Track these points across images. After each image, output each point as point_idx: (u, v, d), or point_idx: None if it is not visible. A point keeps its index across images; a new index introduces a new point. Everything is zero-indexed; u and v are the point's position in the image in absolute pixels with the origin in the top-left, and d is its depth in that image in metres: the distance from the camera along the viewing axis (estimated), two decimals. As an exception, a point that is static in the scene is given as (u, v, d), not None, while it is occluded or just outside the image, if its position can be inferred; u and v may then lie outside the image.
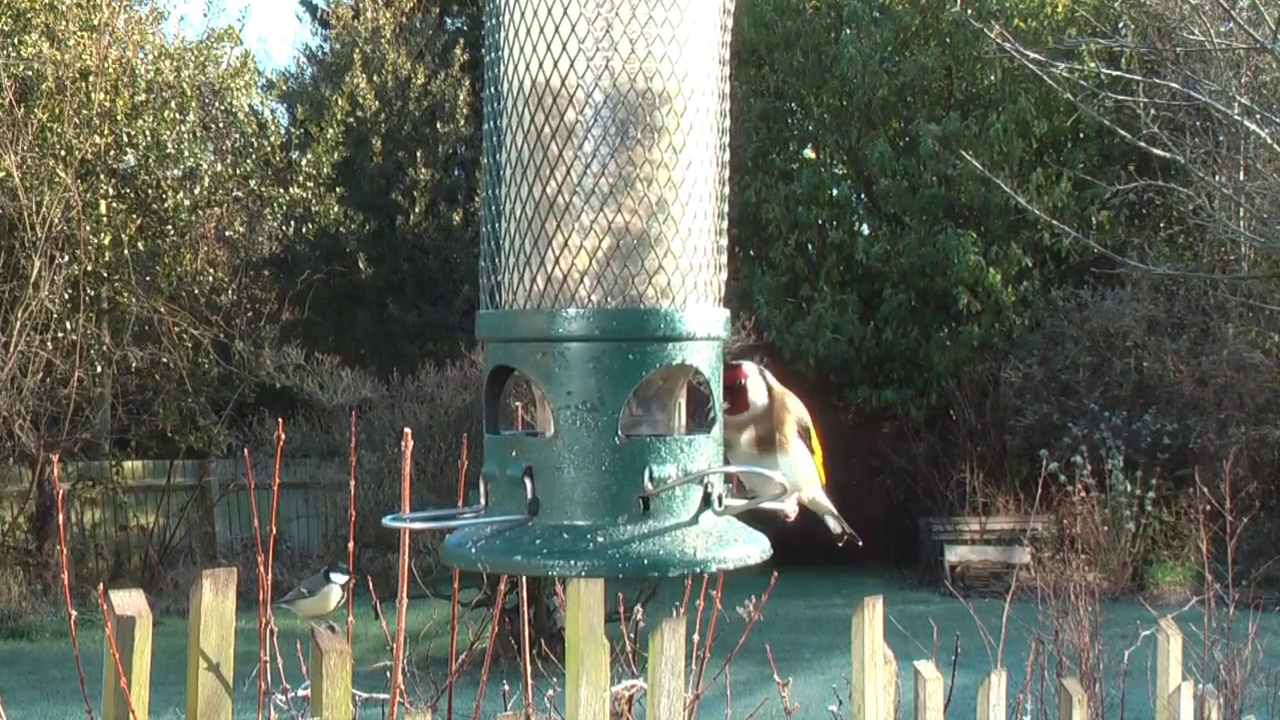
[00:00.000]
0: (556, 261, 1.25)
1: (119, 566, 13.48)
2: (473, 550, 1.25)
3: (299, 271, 15.32)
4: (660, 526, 1.23)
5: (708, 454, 1.28)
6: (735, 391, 1.53)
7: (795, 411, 1.61)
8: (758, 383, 1.57)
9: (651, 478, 1.23)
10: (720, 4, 1.30)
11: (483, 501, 1.29)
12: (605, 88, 1.24)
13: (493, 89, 1.31)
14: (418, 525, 1.32)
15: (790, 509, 1.54)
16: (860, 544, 1.75)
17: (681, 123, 1.26)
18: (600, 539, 1.22)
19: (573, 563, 1.21)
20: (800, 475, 1.61)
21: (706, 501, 1.27)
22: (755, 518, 1.36)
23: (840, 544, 1.72)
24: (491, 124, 1.32)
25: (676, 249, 1.26)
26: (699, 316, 1.26)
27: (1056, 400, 13.87)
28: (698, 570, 1.24)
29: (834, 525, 1.74)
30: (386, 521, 1.35)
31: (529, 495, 1.23)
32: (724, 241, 1.32)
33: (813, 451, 1.65)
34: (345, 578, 3.09)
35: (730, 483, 1.33)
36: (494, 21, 1.31)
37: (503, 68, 1.29)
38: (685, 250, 1.27)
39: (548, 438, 1.25)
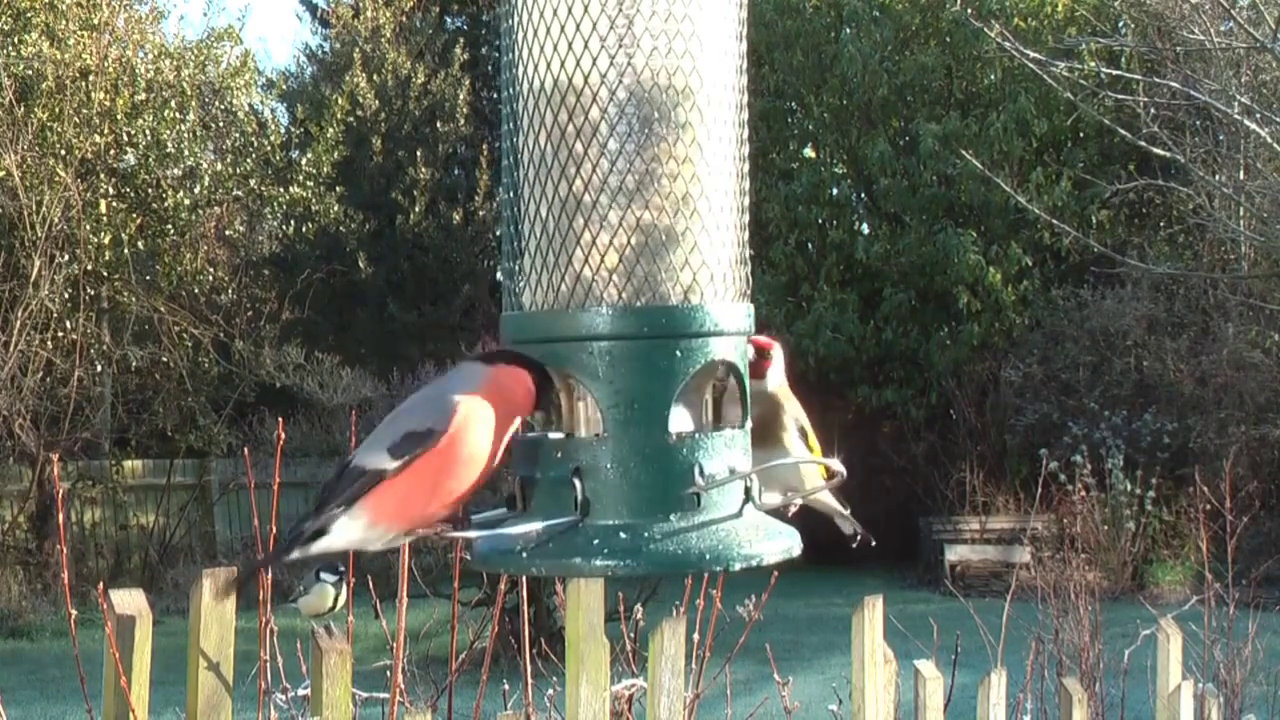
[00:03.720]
0: (586, 260, 1.24)
1: (119, 566, 13.48)
2: (524, 555, 1.22)
3: (299, 271, 15.31)
4: (711, 521, 1.23)
5: (742, 448, 1.28)
6: (761, 357, 1.51)
7: (792, 410, 1.60)
8: (780, 363, 1.56)
9: (702, 473, 1.22)
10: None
11: (519, 505, 1.27)
12: (628, 85, 1.24)
13: (509, 90, 1.30)
14: (471, 534, 1.28)
15: (794, 504, 1.53)
16: (874, 543, 1.73)
17: (704, 118, 1.26)
18: (659, 537, 1.21)
19: (632, 561, 1.20)
20: (803, 472, 1.60)
21: (747, 496, 1.27)
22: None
23: (854, 544, 1.70)
24: (510, 125, 1.30)
25: (704, 244, 1.26)
26: (729, 311, 1.26)
27: (1056, 400, 13.87)
28: (753, 563, 1.23)
29: (845, 526, 1.71)
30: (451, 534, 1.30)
31: (579, 496, 1.21)
32: (746, 236, 1.31)
33: (811, 449, 1.64)
34: (335, 576, 3.09)
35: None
36: (509, 23, 1.30)
37: (520, 68, 1.28)
38: (712, 245, 1.26)
39: (596, 438, 1.23)
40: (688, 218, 1.25)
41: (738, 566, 1.22)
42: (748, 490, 1.27)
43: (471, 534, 1.27)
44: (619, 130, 1.24)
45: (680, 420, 1.26)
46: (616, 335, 1.22)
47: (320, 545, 1.21)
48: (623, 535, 1.21)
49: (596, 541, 1.21)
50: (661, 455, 1.22)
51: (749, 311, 1.30)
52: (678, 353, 1.23)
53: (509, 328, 1.30)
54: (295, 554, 1.23)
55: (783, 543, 1.26)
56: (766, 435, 1.54)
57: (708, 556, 1.21)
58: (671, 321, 1.23)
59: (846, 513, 1.70)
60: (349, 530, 1.21)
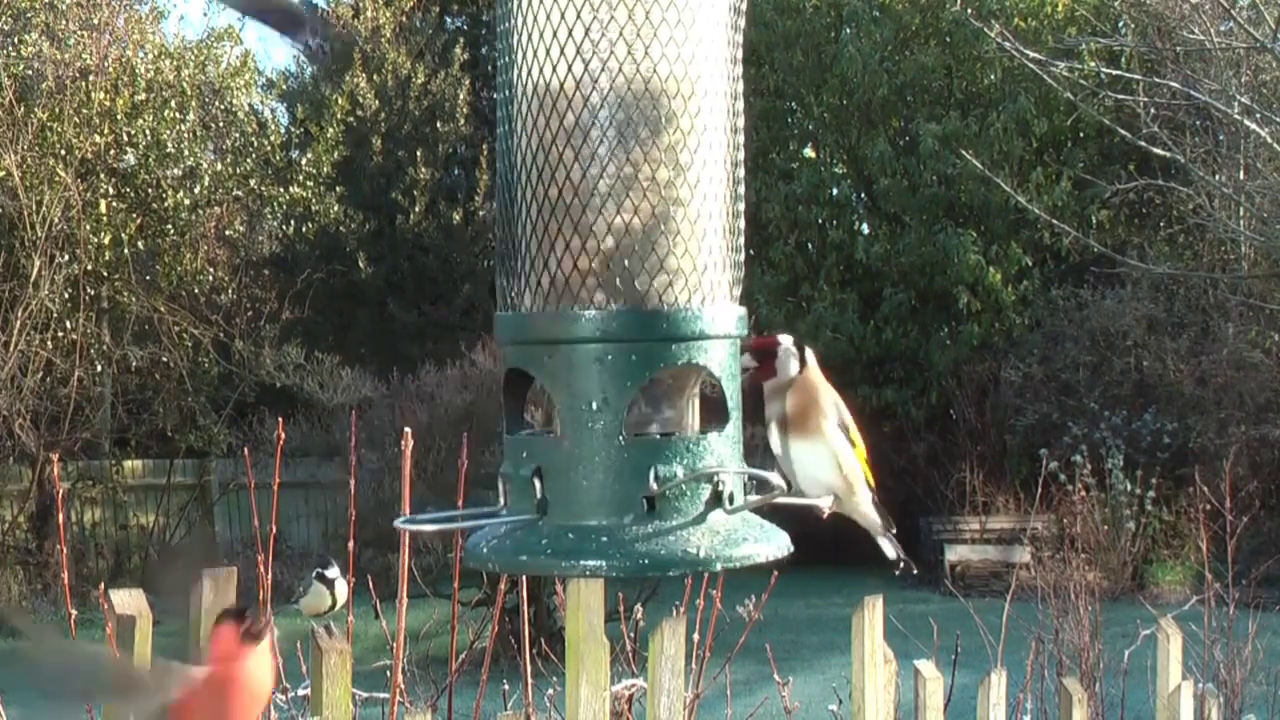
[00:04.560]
0: (560, 263, 1.25)
1: (119, 566, 13.47)
2: (485, 550, 1.26)
3: (299, 271, 15.30)
4: (665, 526, 1.23)
5: (720, 452, 1.27)
6: (765, 356, 1.50)
7: (829, 397, 1.57)
8: (790, 356, 1.54)
9: (656, 477, 1.23)
10: (730, 3, 1.30)
11: (501, 501, 1.29)
12: (617, 88, 1.24)
13: (505, 92, 1.31)
14: (429, 528, 1.32)
15: (825, 506, 1.51)
16: (915, 571, 1.71)
17: (693, 122, 1.26)
18: (605, 539, 1.21)
19: (576, 563, 1.21)
20: (846, 469, 1.55)
21: (717, 500, 1.26)
22: (777, 514, 1.34)
23: (897, 571, 1.66)
24: (504, 127, 1.31)
25: (681, 249, 1.26)
26: (711, 315, 1.26)
27: (1056, 400, 13.87)
28: (700, 570, 1.24)
29: (888, 549, 1.63)
30: (399, 524, 1.34)
31: (538, 495, 1.24)
32: (740, 240, 1.31)
33: (854, 444, 1.60)
34: (334, 574, 3.09)
35: (752, 481, 1.32)
36: (505, 26, 1.30)
37: (514, 71, 1.29)
38: (698, 249, 1.26)
39: (555, 438, 1.25)
40: (673, 222, 1.25)
41: (676, 573, 1.23)
42: (718, 494, 1.26)
43: (428, 527, 1.33)
44: (605, 134, 1.24)
45: (650, 422, 1.27)
46: (573, 339, 1.23)
47: None
48: (570, 536, 1.22)
49: (544, 541, 1.22)
50: (614, 458, 1.22)
51: (738, 315, 1.29)
52: (633, 356, 1.23)
53: (497, 328, 1.32)
54: None
55: (747, 549, 1.25)
56: (806, 426, 1.52)
57: (646, 562, 1.21)
58: (629, 326, 1.23)
59: (891, 533, 1.61)
60: None
